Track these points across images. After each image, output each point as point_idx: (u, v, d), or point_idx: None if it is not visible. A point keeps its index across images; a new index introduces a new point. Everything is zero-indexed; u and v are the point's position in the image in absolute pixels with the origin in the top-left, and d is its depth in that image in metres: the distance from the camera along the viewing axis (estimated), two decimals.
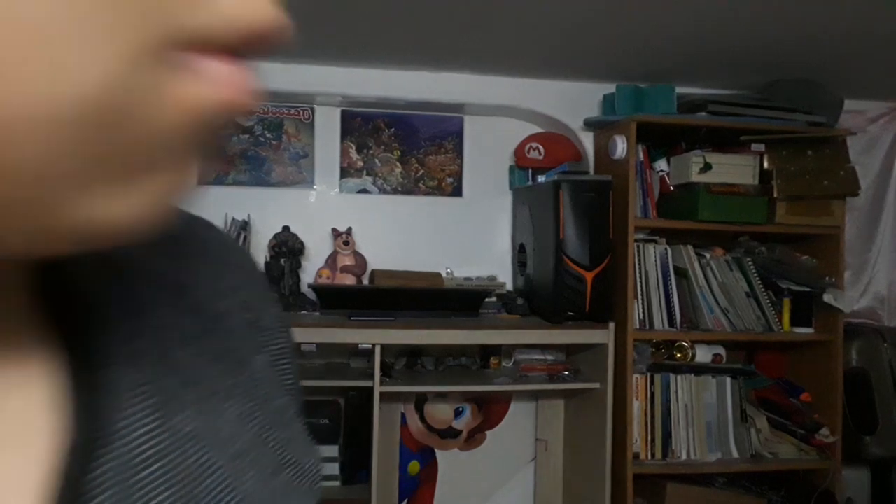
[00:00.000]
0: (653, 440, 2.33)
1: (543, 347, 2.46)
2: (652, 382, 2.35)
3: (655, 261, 2.36)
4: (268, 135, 2.64)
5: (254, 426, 0.30)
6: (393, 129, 2.72)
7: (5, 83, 0.16)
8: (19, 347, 0.24)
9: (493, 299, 2.42)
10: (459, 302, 2.37)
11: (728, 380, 2.42)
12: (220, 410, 0.29)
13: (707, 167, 2.28)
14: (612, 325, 2.29)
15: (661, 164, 2.44)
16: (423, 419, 2.65)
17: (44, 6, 0.16)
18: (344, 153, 2.69)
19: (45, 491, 0.22)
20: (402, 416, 2.63)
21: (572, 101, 2.61)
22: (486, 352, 2.53)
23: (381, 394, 2.20)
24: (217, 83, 0.20)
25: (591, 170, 2.60)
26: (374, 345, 2.19)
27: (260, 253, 2.52)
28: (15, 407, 0.23)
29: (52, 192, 0.18)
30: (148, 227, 0.21)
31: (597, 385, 2.35)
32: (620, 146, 2.32)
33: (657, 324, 2.33)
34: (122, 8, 0.17)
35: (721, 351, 2.46)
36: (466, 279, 2.58)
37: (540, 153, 2.58)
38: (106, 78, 0.17)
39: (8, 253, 0.20)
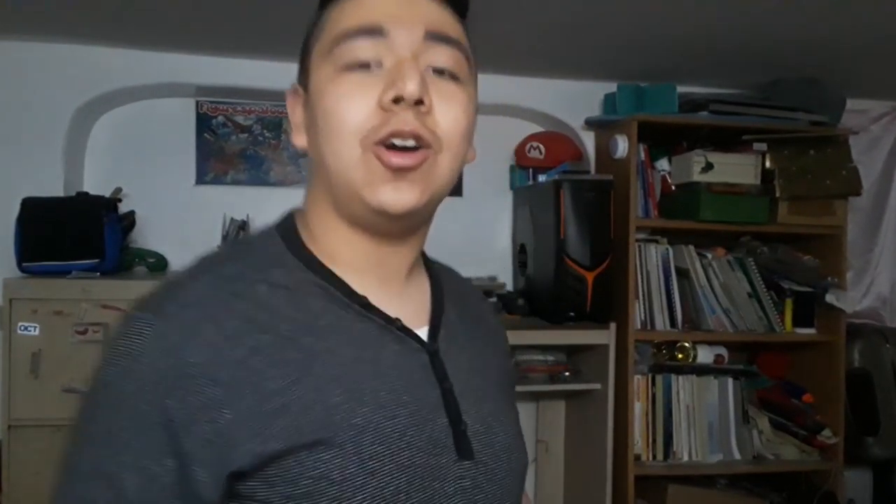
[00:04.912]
0: (654, 441, 2.32)
1: (544, 348, 2.44)
2: (653, 383, 2.34)
3: (657, 261, 2.35)
4: (266, 134, 2.63)
5: (493, 368, 0.77)
6: None
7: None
8: (424, 277, 0.76)
9: (494, 299, 2.40)
10: None
11: (730, 380, 2.41)
12: (482, 354, 0.75)
13: (708, 167, 2.26)
14: (613, 326, 2.28)
15: (663, 164, 2.43)
16: None
17: None
18: None
19: (427, 319, 0.71)
20: None
21: (573, 101, 2.59)
22: None
23: None
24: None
25: (592, 169, 2.59)
26: None
27: None
28: (422, 292, 0.74)
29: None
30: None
31: (598, 386, 2.34)
32: (622, 146, 2.31)
33: (658, 324, 2.32)
34: None
35: (723, 351, 2.45)
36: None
37: (540, 153, 2.56)
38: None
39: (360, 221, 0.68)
